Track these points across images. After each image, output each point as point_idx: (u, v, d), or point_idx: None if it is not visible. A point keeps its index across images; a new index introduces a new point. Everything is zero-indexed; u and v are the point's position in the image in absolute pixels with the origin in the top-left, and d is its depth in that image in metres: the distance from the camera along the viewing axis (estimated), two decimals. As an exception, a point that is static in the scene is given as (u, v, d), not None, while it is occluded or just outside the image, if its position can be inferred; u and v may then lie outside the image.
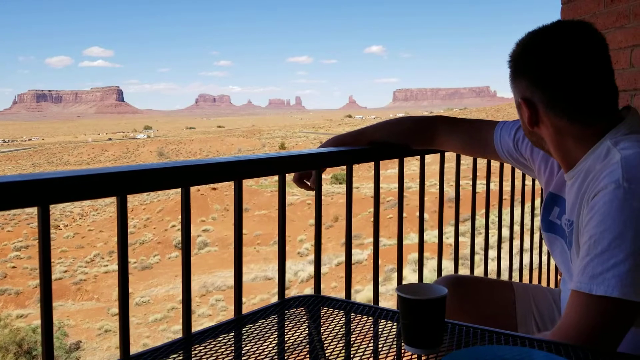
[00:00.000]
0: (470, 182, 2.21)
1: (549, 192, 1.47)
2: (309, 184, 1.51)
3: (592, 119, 1.20)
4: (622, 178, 1.07)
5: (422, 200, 1.76)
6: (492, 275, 2.58)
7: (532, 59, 1.23)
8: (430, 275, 10.41)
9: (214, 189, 50.61)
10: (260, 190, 52.90)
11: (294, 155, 1.24)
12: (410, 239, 21.69)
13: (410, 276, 15.30)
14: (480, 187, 2.65)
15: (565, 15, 3.10)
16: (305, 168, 1.33)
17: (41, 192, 0.85)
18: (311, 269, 20.78)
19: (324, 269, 21.30)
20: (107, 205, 59.32)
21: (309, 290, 18.92)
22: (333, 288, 19.44)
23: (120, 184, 0.93)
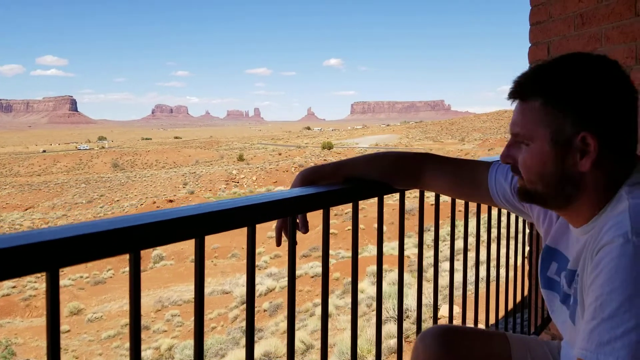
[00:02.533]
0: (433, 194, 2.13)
1: (546, 246, 1.35)
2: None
3: (628, 166, 1.09)
4: (631, 231, 0.95)
5: (402, 240, 1.63)
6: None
7: (598, 88, 1.05)
8: (389, 289, 10.39)
9: (171, 201, 49.79)
10: (218, 203, 52.12)
11: (264, 203, 1.06)
12: (368, 250, 21.75)
13: (368, 289, 15.28)
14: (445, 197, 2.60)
15: (534, 37, 3.06)
16: (277, 216, 1.15)
17: (49, 256, 0.76)
18: (269, 283, 20.62)
19: (282, 282, 21.09)
20: (59, 218, 57.48)
21: (266, 304, 18.68)
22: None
23: (134, 239, 0.84)
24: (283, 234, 1.35)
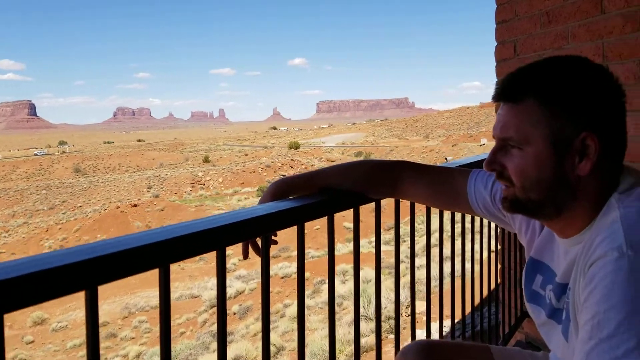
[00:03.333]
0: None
1: (530, 258, 1.29)
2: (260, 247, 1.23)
3: (619, 169, 1.06)
4: (626, 244, 0.89)
5: (379, 253, 1.55)
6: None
7: (597, 91, 1.01)
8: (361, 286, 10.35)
9: (135, 205, 48.96)
10: (184, 206, 51.58)
11: (234, 224, 0.96)
12: (338, 249, 21.76)
13: (339, 287, 15.28)
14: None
15: (501, 35, 3.04)
16: (249, 236, 1.04)
17: (89, 274, 0.73)
18: (239, 285, 20.44)
19: (251, 284, 20.95)
20: (20, 226, 55.88)
21: (236, 307, 18.50)
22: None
23: (163, 254, 0.82)
24: (251, 250, 1.27)
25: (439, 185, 1.47)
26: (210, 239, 0.90)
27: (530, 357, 1.55)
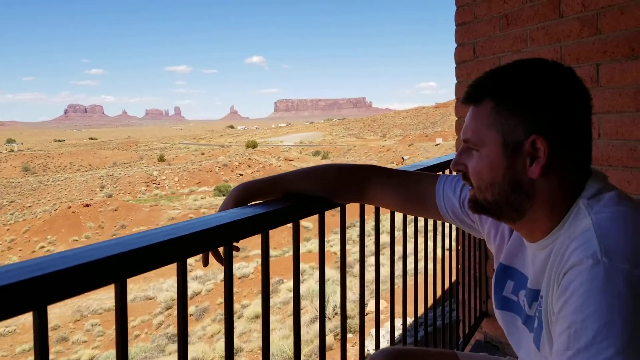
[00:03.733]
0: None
1: (500, 264, 1.26)
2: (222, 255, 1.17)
3: (582, 174, 1.04)
4: (600, 251, 0.88)
5: (344, 257, 1.51)
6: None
7: (548, 92, 1.01)
8: (316, 286, 10.38)
9: (87, 205, 47.68)
10: (139, 205, 50.52)
11: (195, 233, 0.90)
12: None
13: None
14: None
15: (460, 37, 3.05)
16: (212, 245, 0.97)
17: (36, 294, 0.66)
18: (195, 286, 20.16)
19: (208, 285, 20.70)
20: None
21: (192, 308, 18.24)
22: (219, 304, 18.92)
23: (119, 269, 0.78)
24: (212, 257, 1.21)
25: (406, 190, 1.45)
26: (171, 250, 0.84)
27: None
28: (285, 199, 1.29)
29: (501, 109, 1.02)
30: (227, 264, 1.04)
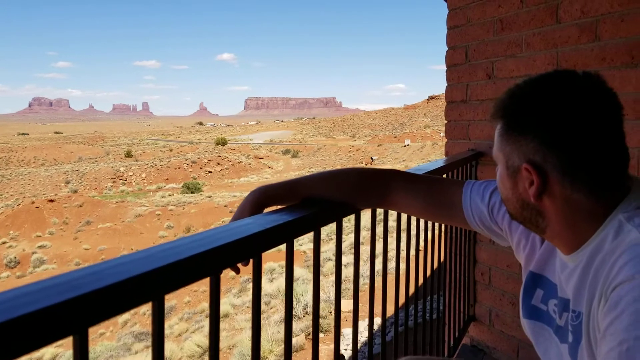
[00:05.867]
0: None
1: (530, 272, 1.25)
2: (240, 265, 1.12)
3: (608, 190, 1.00)
4: None
5: (357, 263, 1.45)
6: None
7: (547, 115, 0.97)
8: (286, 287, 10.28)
9: (52, 200, 46.53)
10: (105, 202, 49.53)
11: (227, 245, 0.83)
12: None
13: (266, 286, 15.15)
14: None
15: (452, 40, 3.03)
16: (243, 258, 0.88)
17: (77, 316, 0.60)
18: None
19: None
20: None
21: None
22: (186, 303, 18.68)
23: (157, 285, 0.72)
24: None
25: (431, 196, 1.41)
26: (207, 264, 0.77)
27: None
28: (304, 205, 1.23)
29: (504, 132, 1.04)
30: (256, 275, 0.97)
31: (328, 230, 19.10)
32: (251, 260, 0.96)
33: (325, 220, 1.22)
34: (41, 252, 32.27)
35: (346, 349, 5.40)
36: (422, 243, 2.38)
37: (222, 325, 14.49)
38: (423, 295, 2.56)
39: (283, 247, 1.07)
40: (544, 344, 1.19)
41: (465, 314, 3.03)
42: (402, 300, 2.17)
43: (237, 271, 1.12)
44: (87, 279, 0.60)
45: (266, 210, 1.24)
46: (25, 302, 0.52)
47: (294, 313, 8.02)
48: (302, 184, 1.34)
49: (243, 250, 0.87)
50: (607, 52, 2.22)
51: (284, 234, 1.01)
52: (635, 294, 0.84)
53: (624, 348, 0.81)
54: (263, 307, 13.14)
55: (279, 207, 1.24)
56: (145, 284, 0.65)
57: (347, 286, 10.11)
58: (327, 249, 17.25)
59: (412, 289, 2.31)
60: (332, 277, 11.40)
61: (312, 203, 1.24)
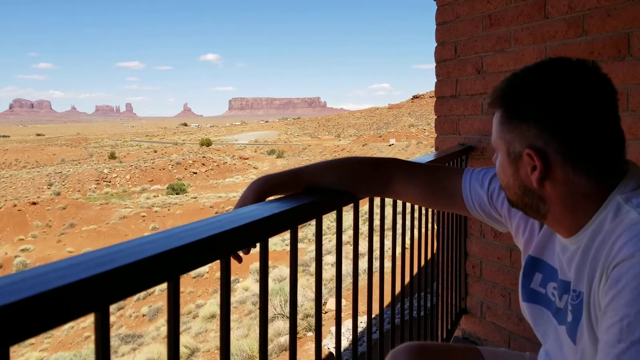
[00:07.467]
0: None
1: (529, 256, 1.28)
2: (241, 253, 1.16)
3: (607, 173, 1.03)
4: None
5: (357, 249, 1.46)
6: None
7: (547, 101, 0.99)
8: (276, 286, 10.30)
9: (34, 203, 46.00)
10: (89, 204, 49.06)
11: (237, 228, 0.85)
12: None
13: (253, 286, 15.13)
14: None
15: (441, 36, 3.06)
16: (250, 242, 0.91)
17: (98, 294, 0.61)
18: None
19: (161, 285, 20.26)
20: None
21: (145, 309, 17.86)
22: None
23: (172, 265, 0.73)
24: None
25: (432, 184, 1.44)
26: (218, 246, 0.78)
27: (519, 358, 1.55)
28: (307, 193, 1.25)
29: (504, 120, 1.06)
30: (263, 260, 0.99)
31: (309, 234, 19.13)
32: (258, 245, 0.97)
33: (327, 208, 1.24)
34: (24, 256, 31.89)
35: (348, 343, 5.42)
36: (416, 238, 2.40)
37: (209, 325, 14.45)
38: (418, 289, 2.58)
39: (283, 247, 1.09)
40: (543, 326, 1.22)
41: (457, 306, 3.06)
42: (397, 292, 2.19)
43: (240, 260, 1.14)
44: (110, 256, 0.61)
45: (268, 199, 1.25)
46: (56, 276, 0.53)
47: (281, 312, 7.91)
48: (305, 173, 1.36)
49: (252, 234, 0.89)
50: (595, 46, 2.26)
51: (289, 220, 1.04)
52: (636, 270, 0.86)
53: (625, 323, 0.84)
54: (250, 307, 13.13)
55: (280, 196, 1.26)
56: (163, 264, 0.66)
57: (330, 286, 10.15)
58: (311, 249, 17.28)
59: (407, 282, 2.34)
60: (328, 274, 11.42)
61: (314, 192, 1.26)
